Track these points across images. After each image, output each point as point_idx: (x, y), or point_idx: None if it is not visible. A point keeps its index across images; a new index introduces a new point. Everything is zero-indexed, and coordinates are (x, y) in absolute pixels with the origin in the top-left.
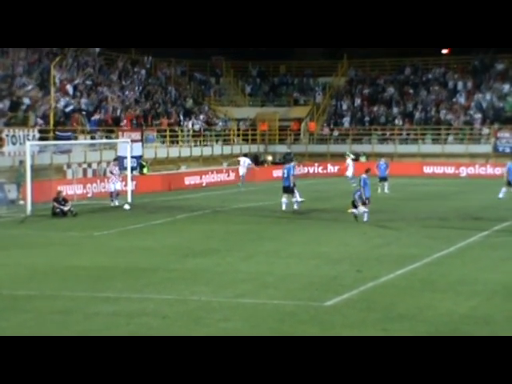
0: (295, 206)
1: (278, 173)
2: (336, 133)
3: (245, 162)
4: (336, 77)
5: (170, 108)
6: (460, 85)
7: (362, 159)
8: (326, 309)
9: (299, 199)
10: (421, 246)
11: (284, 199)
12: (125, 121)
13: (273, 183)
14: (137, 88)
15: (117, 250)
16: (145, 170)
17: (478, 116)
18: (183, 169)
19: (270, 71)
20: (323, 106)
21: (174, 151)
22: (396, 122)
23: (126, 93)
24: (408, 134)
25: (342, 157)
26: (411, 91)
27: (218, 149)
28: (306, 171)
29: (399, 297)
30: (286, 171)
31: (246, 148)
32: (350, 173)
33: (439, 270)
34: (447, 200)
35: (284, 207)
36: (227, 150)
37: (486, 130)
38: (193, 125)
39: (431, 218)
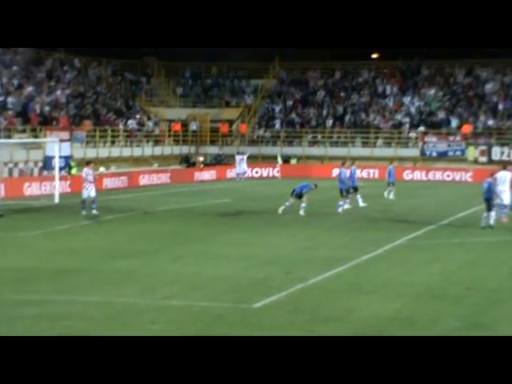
0: (361, 204)
1: (206, 175)
2: (268, 135)
3: (240, 159)
4: (267, 79)
5: (101, 108)
6: (388, 89)
7: (293, 161)
8: (254, 311)
9: (361, 203)
10: (349, 249)
11: (341, 202)
12: (60, 120)
13: (203, 185)
14: (67, 87)
15: (43, 251)
16: (73, 171)
17: (406, 120)
18: (113, 169)
19: (202, 72)
20: (254, 108)
21: (104, 151)
22: (327, 124)
23: (58, 92)
24: (338, 137)
25: (273, 159)
26: (342, 94)
27: (148, 149)
28: (235, 175)
29: (327, 299)
30: (341, 174)
31: (177, 149)
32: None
33: (366, 272)
34: (375, 203)
35: (339, 210)
36: (158, 150)
37: (413, 134)
38: (124, 125)
39: (360, 220)
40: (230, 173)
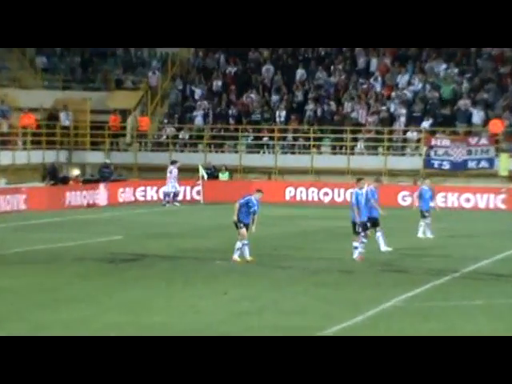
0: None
1: (83, 198)
2: (185, 135)
3: (172, 171)
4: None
5: None
6: (374, 63)
7: (223, 176)
8: None
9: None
10: (310, 314)
11: (355, 243)
12: None
13: (79, 213)
14: None
15: None
16: None
17: (402, 112)
18: None
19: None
20: (162, 92)
21: None
22: (277, 119)
23: None
24: (295, 139)
25: (193, 172)
26: (301, 71)
27: None
28: (132, 198)
29: None
30: (357, 198)
31: (38, 155)
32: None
33: None
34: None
35: (355, 255)
36: (6, 157)
37: (413, 135)
38: None
39: (329, 269)
40: (123, 193)
